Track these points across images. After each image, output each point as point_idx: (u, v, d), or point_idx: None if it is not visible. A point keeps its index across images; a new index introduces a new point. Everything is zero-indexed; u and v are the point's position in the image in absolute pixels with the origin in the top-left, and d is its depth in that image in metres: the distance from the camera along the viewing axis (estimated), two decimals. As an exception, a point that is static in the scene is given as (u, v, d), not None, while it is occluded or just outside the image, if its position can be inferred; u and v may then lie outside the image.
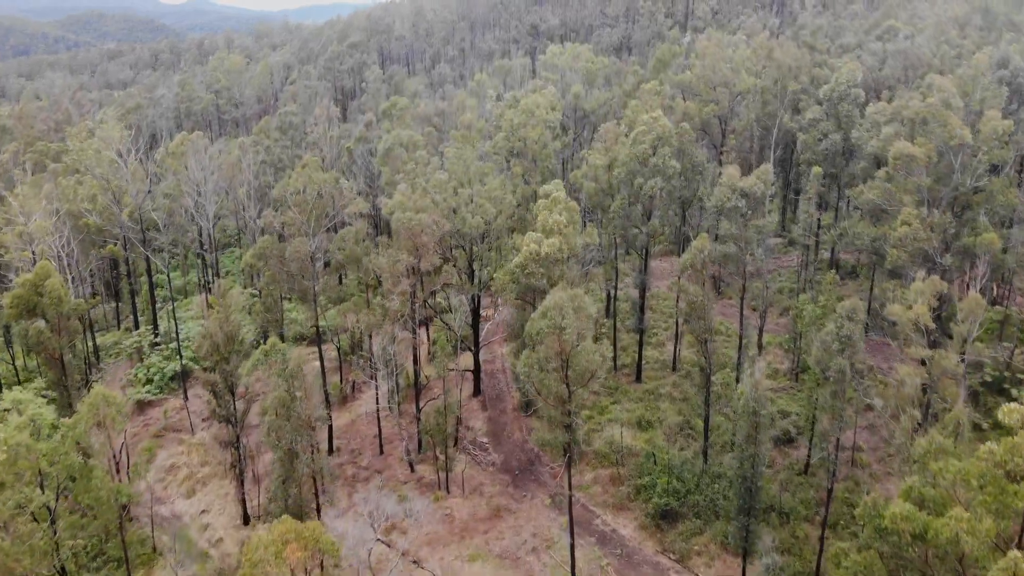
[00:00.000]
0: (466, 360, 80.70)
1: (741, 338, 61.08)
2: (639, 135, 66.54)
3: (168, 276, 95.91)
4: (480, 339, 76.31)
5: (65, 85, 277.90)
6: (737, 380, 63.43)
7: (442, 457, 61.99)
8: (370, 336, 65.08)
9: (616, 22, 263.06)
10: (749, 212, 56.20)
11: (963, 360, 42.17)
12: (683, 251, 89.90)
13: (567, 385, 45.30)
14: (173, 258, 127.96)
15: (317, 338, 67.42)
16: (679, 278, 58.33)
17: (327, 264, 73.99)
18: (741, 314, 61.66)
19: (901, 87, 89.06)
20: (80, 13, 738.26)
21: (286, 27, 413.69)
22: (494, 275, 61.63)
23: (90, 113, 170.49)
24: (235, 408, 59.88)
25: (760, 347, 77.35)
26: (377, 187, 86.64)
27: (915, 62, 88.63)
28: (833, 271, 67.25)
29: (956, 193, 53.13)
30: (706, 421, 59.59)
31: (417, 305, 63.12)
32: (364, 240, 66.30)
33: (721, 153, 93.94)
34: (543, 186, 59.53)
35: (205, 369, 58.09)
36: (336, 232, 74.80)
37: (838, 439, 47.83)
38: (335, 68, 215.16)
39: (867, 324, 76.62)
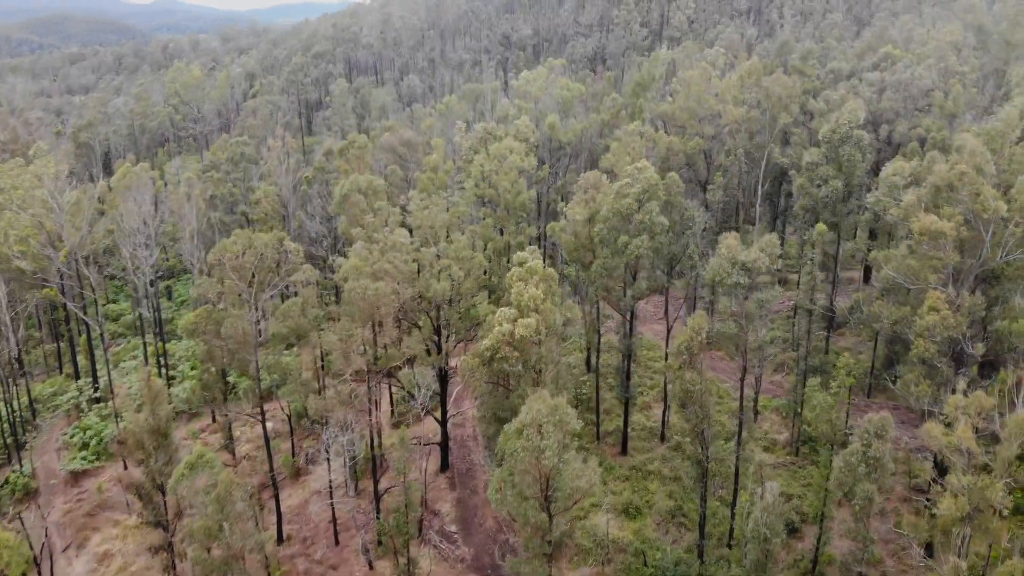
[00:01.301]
0: (433, 424, 73.36)
1: (741, 425, 54.33)
2: (623, 187, 59.63)
3: (101, 331, 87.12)
4: (448, 405, 68.99)
5: (26, 91, 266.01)
6: (737, 458, 56.70)
7: (403, 559, 54.58)
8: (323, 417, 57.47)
9: (590, 31, 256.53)
10: (751, 286, 49.49)
11: (1009, 492, 35.73)
12: (668, 291, 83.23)
13: (548, 513, 38.20)
14: (122, 288, 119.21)
15: (261, 413, 59.66)
16: (668, 357, 51.59)
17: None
18: (742, 396, 54.90)
19: (901, 120, 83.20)
20: (45, 15, 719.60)
21: (253, 29, 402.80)
22: (463, 356, 54.35)
23: (37, 132, 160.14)
24: (165, 510, 52.02)
25: (756, 413, 70.93)
26: (333, 231, 79.02)
27: (916, 93, 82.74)
28: (847, 355, 61.25)
29: (984, 268, 46.79)
30: (702, 520, 52.79)
31: (374, 384, 55.66)
32: (315, 308, 58.66)
33: (707, 191, 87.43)
34: (517, 253, 52.30)
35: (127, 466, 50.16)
36: (288, 289, 67.14)
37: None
38: (299, 80, 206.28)
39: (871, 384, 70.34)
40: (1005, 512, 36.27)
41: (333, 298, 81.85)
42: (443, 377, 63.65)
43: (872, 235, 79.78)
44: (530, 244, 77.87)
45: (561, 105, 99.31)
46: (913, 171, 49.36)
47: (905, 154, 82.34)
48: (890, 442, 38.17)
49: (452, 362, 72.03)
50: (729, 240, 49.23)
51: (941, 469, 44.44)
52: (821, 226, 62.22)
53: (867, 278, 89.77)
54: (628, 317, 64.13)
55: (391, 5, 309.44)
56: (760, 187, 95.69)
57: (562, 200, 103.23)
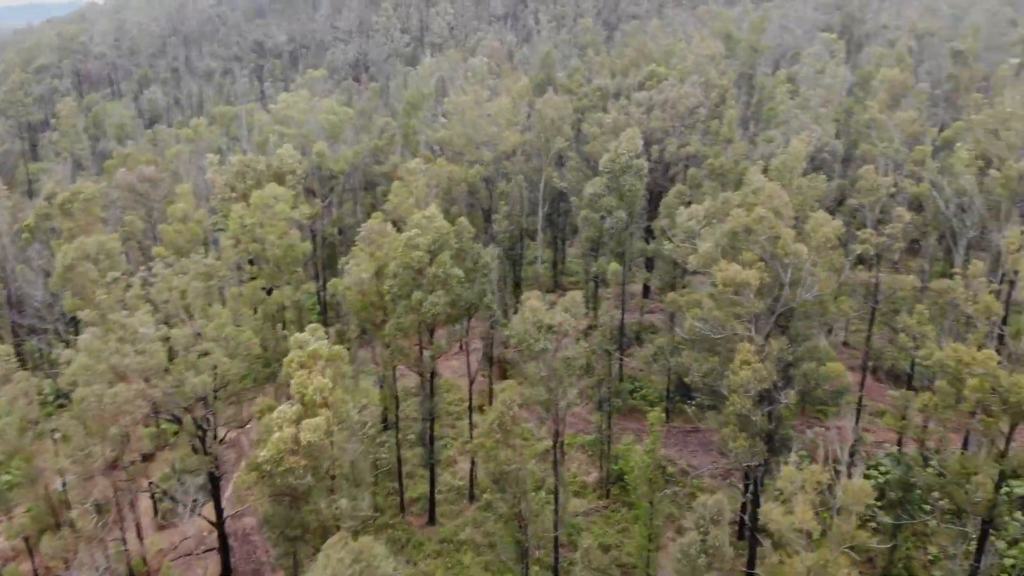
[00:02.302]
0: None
1: (557, 496, 50.26)
2: (412, 239, 53.36)
3: None
4: (227, 495, 59.10)
5: None
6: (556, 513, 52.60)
7: None
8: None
9: (350, 37, 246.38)
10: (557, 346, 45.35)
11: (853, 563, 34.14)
12: (467, 343, 78.09)
13: None
14: None
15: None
16: (474, 437, 46.23)
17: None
18: (556, 463, 50.78)
19: (671, 139, 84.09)
20: None
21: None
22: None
23: None
24: None
25: (562, 453, 67.78)
26: (58, 309, 65.49)
27: (683, 111, 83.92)
28: (661, 409, 59.79)
29: (785, 308, 45.99)
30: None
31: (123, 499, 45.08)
32: (38, 423, 46.66)
33: (492, 221, 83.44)
34: (295, 335, 44.19)
35: None
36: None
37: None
38: (19, 101, 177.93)
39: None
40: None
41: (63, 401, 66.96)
42: (215, 481, 53.80)
43: (649, 263, 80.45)
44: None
45: (328, 130, 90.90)
46: (707, 212, 47.78)
47: (675, 177, 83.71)
48: (727, 530, 35.53)
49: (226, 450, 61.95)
50: (532, 302, 44.66)
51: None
52: (614, 266, 60.00)
53: (646, 293, 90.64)
54: (430, 377, 58.13)
55: (126, 10, 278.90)
56: (540, 210, 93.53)
57: (339, 233, 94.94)
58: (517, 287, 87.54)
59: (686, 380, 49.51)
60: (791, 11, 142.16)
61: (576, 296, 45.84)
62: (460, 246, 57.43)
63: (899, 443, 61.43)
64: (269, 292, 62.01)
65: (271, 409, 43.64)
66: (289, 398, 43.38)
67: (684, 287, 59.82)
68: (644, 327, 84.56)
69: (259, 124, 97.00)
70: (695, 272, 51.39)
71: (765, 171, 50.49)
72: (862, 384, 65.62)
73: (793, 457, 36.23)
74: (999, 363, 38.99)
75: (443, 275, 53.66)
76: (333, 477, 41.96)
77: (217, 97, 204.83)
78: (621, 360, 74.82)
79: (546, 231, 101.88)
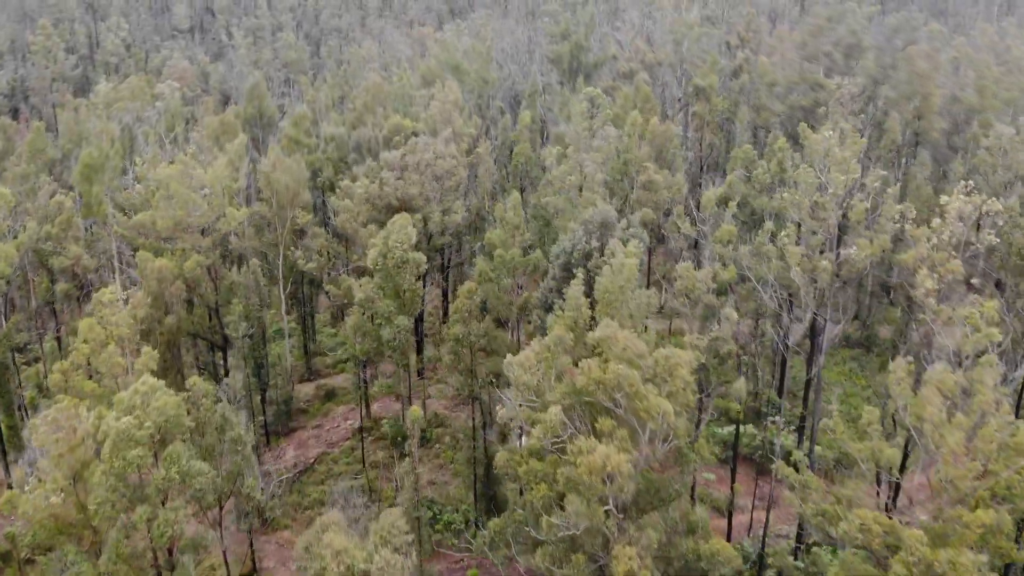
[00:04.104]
0: None
1: None
2: (125, 431, 36.85)
3: None
4: None
5: None
6: None
7: None
8: None
9: (1, 61, 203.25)
10: None
11: None
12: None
13: None
14: None
15: None
16: None
17: None
18: None
19: (432, 205, 73.08)
20: None
21: None
22: None
23: None
24: None
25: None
26: None
27: (441, 174, 73.03)
28: None
29: (642, 468, 36.99)
30: None
31: None
32: None
33: (225, 325, 66.64)
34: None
35: None
36: None
37: None
38: None
39: None
40: None
41: None
42: None
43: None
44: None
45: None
46: (539, 358, 37.27)
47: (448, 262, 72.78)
48: None
49: None
50: (335, 540, 31.13)
51: None
52: (416, 410, 47.51)
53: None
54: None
55: None
56: (282, 292, 78.06)
57: (15, 352, 71.64)
58: (263, 399, 71.84)
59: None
60: (512, 38, 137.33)
61: (396, 518, 32.93)
62: (197, 418, 41.61)
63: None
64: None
65: None
66: None
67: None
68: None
69: None
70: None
71: (589, 289, 41.27)
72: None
73: None
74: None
75: (182, 474, 37.79)
76: None
77: None
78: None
79: (291, 309, 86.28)
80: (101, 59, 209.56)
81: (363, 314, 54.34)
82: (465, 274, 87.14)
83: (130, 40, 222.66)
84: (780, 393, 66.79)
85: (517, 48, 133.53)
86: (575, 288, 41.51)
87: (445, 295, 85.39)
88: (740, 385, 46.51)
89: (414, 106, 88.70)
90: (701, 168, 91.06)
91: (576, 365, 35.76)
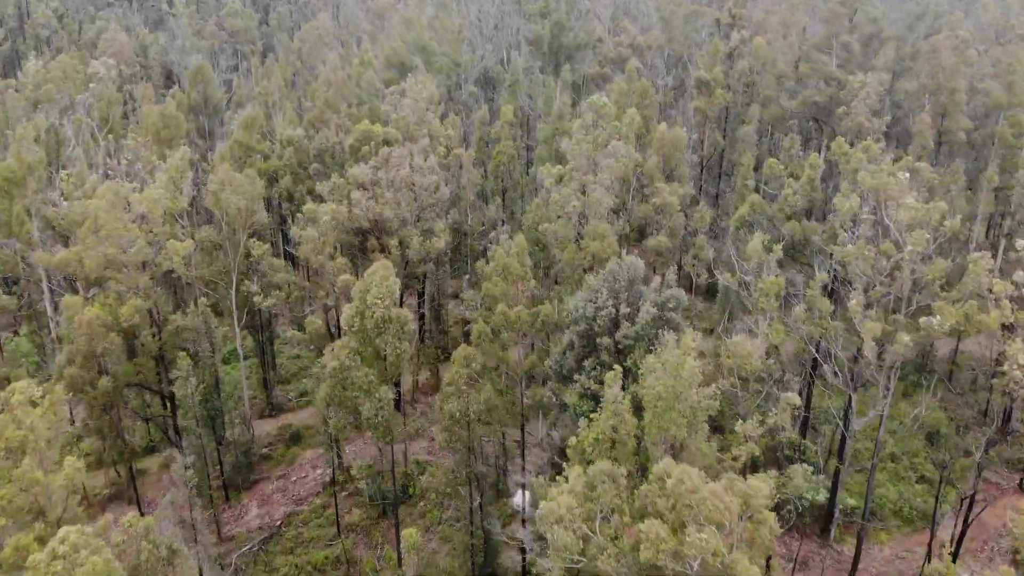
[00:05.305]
0: None
1: None
2: None
3: None
4: None
5: None
6: None
7: None
8: None
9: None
10: None
11: None
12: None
13: None
14: None
15: None
16: None
17: None
18: None
19: (410, 228, 63.49)
20: None
21: None
22: None
23: None
24: None
25: None
26: None
27: (421, 193, 63.31)
28: None
29: None
30: None
31: None
32: None
33: (173, 382, 56.84)
34: None
35: None
36: None
37: None
38: None
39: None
40: None
41: None
42: None
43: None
44: None
45: None
46: (580, 503, 28.63)
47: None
48: None
49: None
50: None
51: None
52: (412, 532, 38.87)
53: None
54: None
55: None
56: (236, 325, 68.18)
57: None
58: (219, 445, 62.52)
59: None
60: (479, 10, 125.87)
61: None
62: (137, 567, 32.40)
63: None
64: None
65: None
66: None
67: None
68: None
69: None
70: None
71: (630, 380, 32.73)
72: None
73: None
74: None
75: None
76: None
77: None
78: None
79: (246, 339, 76.34)
80: (31, 31, 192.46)
81: (336, 385, 45.10)
82: (443, 290, 77.95)
83: (62, 10, 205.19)
84: (803, 432, 59.65)
85: (484, 22, 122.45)
86: (611, 386, 32.89)
87: (422, 321, 75.85)
88: (798, 476, 38.69)
89: (383, 102, 78.14)
90: (702, 169, 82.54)
91: (631, 518, 27.37)
